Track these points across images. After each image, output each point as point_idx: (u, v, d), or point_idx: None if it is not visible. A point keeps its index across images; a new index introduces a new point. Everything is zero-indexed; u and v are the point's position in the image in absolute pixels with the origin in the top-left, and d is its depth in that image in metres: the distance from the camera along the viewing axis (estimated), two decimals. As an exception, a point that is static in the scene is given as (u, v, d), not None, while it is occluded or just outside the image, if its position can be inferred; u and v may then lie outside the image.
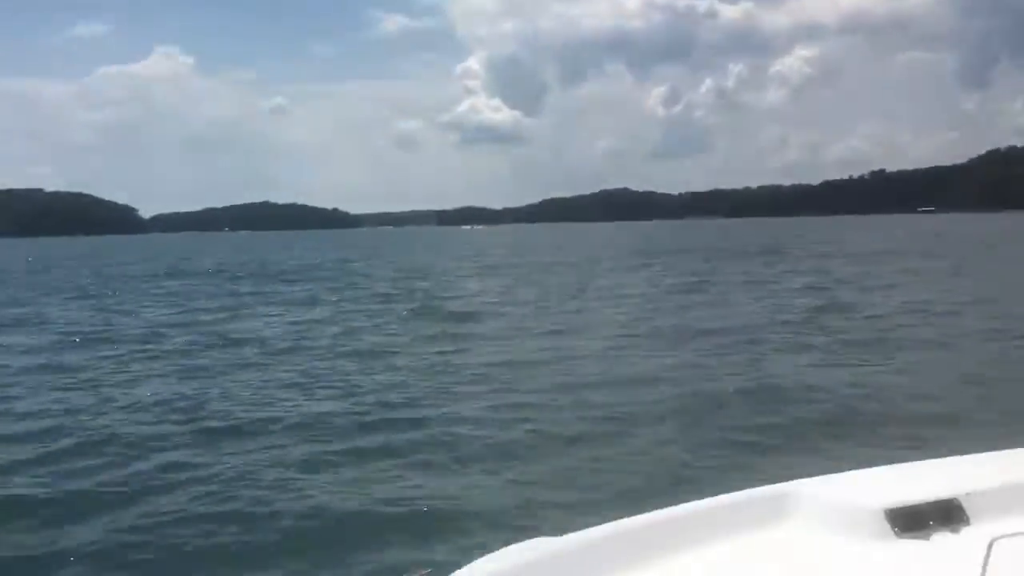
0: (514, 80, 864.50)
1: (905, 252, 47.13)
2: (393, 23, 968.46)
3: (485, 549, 1.99)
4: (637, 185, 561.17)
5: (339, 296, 30.50)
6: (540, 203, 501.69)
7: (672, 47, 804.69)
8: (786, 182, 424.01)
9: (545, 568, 1.84)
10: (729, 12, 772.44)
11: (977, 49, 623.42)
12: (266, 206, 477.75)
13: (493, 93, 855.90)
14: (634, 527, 2.04)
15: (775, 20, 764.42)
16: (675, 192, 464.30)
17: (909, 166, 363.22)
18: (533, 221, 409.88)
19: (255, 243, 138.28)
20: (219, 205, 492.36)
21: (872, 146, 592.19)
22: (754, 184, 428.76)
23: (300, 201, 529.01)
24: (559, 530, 2.06)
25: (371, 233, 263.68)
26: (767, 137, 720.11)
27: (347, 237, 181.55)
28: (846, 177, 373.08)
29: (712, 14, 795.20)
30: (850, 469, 2.44)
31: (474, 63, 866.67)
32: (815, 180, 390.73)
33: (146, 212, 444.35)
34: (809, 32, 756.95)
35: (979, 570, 1.79)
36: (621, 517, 2.10)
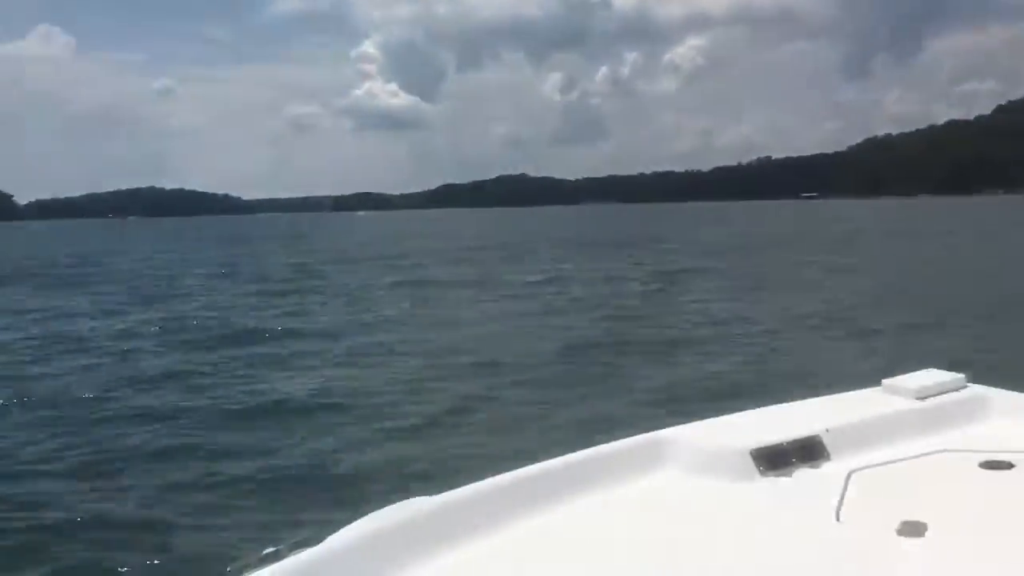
0: (411, 65, 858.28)
1: (744, 247, 45.86)
2: (286, 5, 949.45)
3: (358, 513, 1.89)
4: (535, 171, 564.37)
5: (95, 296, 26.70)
6: (437, 189, 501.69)
7: (568, 35, 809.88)
8: (679, 168, 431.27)
9: (420, 528, 1.83)
10: (622, 2, 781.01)
11: (857, 41, 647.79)
12: (153, 192, 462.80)
13: (390, 78, 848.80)
14: (509, 482, 2.03)
15: (667, 10, 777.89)
16: (572, 178, 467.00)
17: (794, 153, 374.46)
18: (430, 207, 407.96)
19: (110, 233, 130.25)
20: (103, 191, 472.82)
21: (760, 134, 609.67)
22: (648, 170, 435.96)
23: (189, 187, 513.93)
24: (433, 490, 2.01)
25: (252, 220, 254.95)
26: (661, 124, 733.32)
27: (227, 224, 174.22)
28: (735, 164, 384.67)
29: (606, 3, 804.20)
30: (719, 415, 2.48)
31: (370, 47, 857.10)
32: (706, 167, 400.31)
33: (22, 198, 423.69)
34: (700, 22, 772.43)
35: (837, 500, 1.92)
36: (496, 474, 2.06)
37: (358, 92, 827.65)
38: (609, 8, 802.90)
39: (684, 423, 2.40)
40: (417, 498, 1.98)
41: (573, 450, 2.21)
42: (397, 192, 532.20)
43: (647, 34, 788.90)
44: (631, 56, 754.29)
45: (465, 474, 2.15)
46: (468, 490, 1.99)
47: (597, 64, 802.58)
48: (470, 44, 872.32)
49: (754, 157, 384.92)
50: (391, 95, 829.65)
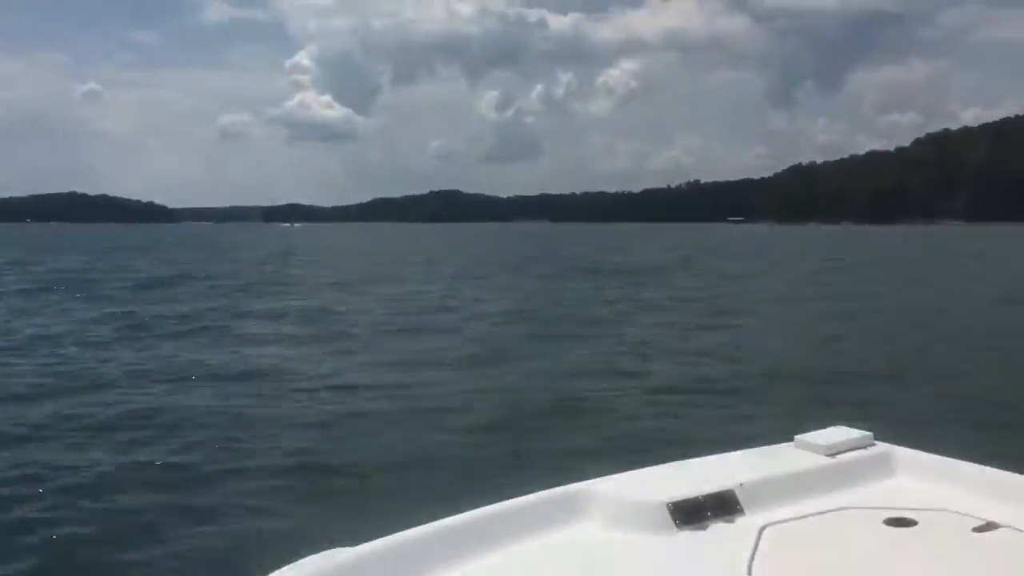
0: (346, 77, 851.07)
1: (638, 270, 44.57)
2: (218, 12, 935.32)
3: (278, 563, 1.88)
4: (468, 187, 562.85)
5: None
6: (370, 202, 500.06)
7: (505, 53, 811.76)
8: (610, 189, 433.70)
9: None
10: (558, 23, 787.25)
11: (785, 71, 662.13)
12: (74, 197, 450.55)
13: (324, 89, 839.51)
14: (427, 534, 2.05)
15: (602, 33, 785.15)
16: (505, 195, 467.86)
17: (723, 178, 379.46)
18: (362, 220, 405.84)
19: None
20: (21, 195, 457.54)
21: (690, 158, 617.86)
22: (580, 190, 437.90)
23: (114, 193, 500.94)
24: (353, 540, 2.00)
25: (172, 229, 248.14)
26: (594, 145, 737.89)
27: (137, 233, 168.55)
28: (665, 186, 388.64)
29: (543, 23, 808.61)
30: (635, 468, 2.52)
31: (304, 58, 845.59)
32: (637, 188, 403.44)
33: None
34: (634, 47, 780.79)
35: (750, 554, 1.96)
36: (415, 525, 2.08)
37: (291, 103, 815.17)
38: (546, 28, 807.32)
39: (601, 476, 2.41)
40: (337, 549, 1.95)
41: (491, 502, 2.21)
42: (329, 204, 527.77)
43: (582, 56, 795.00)
44: (566, 77, 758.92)
45: (384, 526, 2.13)
46: (388, 541, 1.99)
47: (533, 83, 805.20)
48: (406, 58, 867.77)
49: (684, 180, 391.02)
50: (325, 107, 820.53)
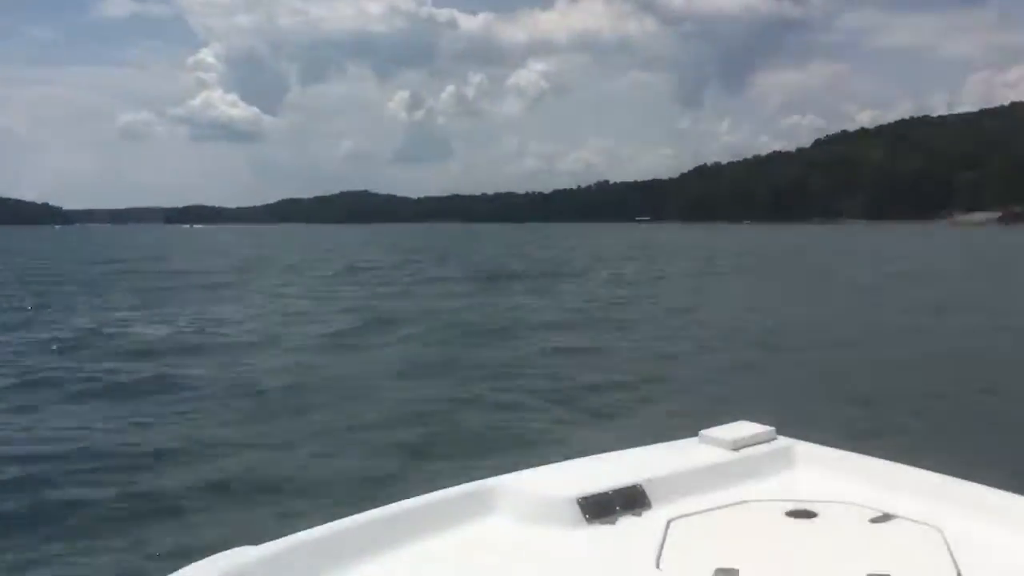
0: (252, 76, 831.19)
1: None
2: (118, 6, 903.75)
3: (181, 563, 1.83)
4: (378, 188, 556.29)
5: None
6: (278, 203, 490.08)
7: (415, 53, 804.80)
8: (521, 190, 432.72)
9: None
10: (469, 23, 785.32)
11: (691, 74, 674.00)
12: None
13: (230, 88, 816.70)
14: (335, 531, 2.01)
15: (512, 33, 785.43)
16: (415, 196, 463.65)
17: (631, 178, 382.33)
18: (270, 222, 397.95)
19: None
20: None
21: (600, 158, 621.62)
22: (491, 191, 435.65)
23: (6, 194, 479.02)
24: (258, 539, 1.95)
25: (63, 232, 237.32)
26: (505, 146, 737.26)
27: (24, 236, 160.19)
28: (575, 187, 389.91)
29: (453, 24, 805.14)
30: (548, 462, 2.53)
31: (208, 55, 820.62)
32: (547, 189, 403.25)
33: None
34: (544, 48, 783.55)
35: (658, 547, 2.00)
36: (323, 523, 2.05)
37: (195, 101, 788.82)
38: (456, 28, 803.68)
39: (511, 472, 2.41)
40: (242, 547, 1.90)
41: (399, 499, 2.20)
42: (234, 205, 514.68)
43: (493, 57, 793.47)
44: (477, 78, 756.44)
45: (288, 523, 2.09)
46: (294, 539, 1.95)
47: (444, 83, 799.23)
48: (314, 57, 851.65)
49: (594, 181, 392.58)
50: (230, 105, 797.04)
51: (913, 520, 2.14)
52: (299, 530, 1.99)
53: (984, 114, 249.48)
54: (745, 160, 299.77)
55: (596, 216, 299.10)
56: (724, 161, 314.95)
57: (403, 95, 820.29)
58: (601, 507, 2.19)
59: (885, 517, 2.16)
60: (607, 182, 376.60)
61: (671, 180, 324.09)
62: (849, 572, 1.87)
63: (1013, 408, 11.78)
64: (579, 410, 11.52)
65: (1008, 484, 2.28)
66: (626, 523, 2.17)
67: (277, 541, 1.92)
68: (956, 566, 1.87)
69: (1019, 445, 9.51)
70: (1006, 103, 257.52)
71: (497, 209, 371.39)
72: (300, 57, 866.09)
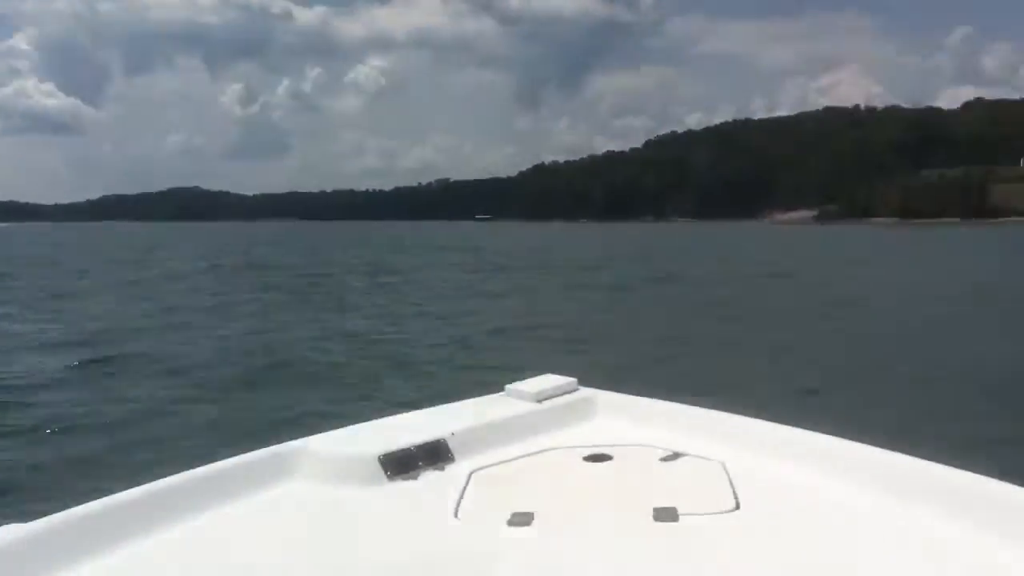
0: (71, 64, 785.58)
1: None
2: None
3: None
4: (211, 185, 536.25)
5: None
6: (100, 200, 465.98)
7: (249, 45, 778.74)
8: (360, 187, 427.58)
9: (12, 557, 1.71)
10: (305, 16, 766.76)
11: (530, 73, 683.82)
12: None
13: (45, 77, 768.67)
14: (120, 503, 1.92)
15: (350, 28, 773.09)
16: (251, 193, 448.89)
17: (472, 176, 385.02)
18: (92, 219, 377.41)
19: None
20: None
21: (441, 156, 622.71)
22: (330, 188, 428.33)
23: None
24: (30, 515, 1.81)
25: None
26: (344, 142, 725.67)
27: None
28: (416, 184, 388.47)
29: (288, 15, 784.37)
30: (350, 423, 2.53)
31: (22, 42, 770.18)
32: (388, 186, 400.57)
33: None
34: (382, 43, 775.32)
35: (457, 497, 2.02)
36: (107, 494, 1.92)
37: (7, 90, 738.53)
38: (291, 20, 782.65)
39: (312, 434, 2.39)
40: (10, 525, 1.80)
41: (195, 466, 2.14)
42: (51, 202, 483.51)
43: (330, 51, 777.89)
44: (314, 72, 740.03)
45: (67, 498, 1.98)
46: (72, 513, 1.85)
47: (279, 77, 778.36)
48: (140, 46, 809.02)
49: (434, 179, 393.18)
50: (46, 95, 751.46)
51: (700, 457, 2.25)
52: (77, 504, 1.84)
53: (800, 117, 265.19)
54: (581, 160, 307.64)
55: (438, 214, 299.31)
56: (562, 160, 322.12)
57: (236, 88, 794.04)
58: (403, 463, 2.20)
59: (675, 456, 2.27)
60: (448, 180, 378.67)
61: (511, 179, 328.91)
62: (638, 507, 1.95)
63: (784, 349, 14.03)
64: (387, 373, 11.64)
65: (783, 418, 2.41)
66: (428, 477, 2.18)
67: (50, 517, 1.79)
68: (735, 496, 1.99)
69: (790, 378, 11.13)
70: (819, 107, 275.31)
71: (336, 206, 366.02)
72: (124, 46, 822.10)
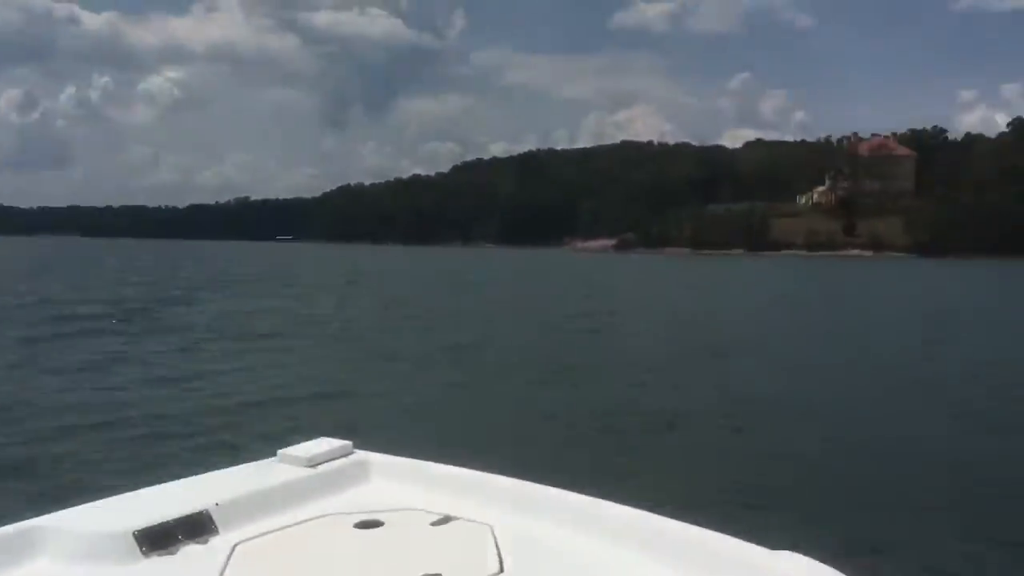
0: None
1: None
2: None
3: None
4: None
5: None
6: None
7: (28, 49, 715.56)
8: (152, 203, 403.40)
9: None
10: (92, 21, 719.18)
11: (336, 93, 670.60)
12: None
13: None
14: None
15: (142, 37, 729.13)
16: (27, 206, 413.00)
17: (274, 196, 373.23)
18: None
19: None
20: None
21: (240, 174, 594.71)
22: (117, 203, 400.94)
23: None
24: None
25: None
26: (134, 155, 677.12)
27: None
28: (213, 203, 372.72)
29: (74, 19, 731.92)
30: (103, 496, 2.38)
31: None
32: (182, 204, 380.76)
33: None
34: (178, 55, 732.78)
35: (219, 573, 1.93)
36: None
37: None
38: (77, 24, 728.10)
39: (60, 509, 2.27)
40: None
41: None
42: None
43: (120, 59, 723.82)
44: (102, 80, 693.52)
45: None
46: None
47: (63, 84, 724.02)
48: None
49: (233, 197, 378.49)
50: None
51: (468, 520, 2.25)
52: None
53: (600, 150, 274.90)
54: (388, 182, 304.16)
55: (237, 233, 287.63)
56: (368, 183, 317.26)
57: (14, 93, 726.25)
58: (160, 538, 2.08)
59: (445, 519, 2.26)
60: (248, 198, 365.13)
61: (315, 199, 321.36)
62: (406, 574, 1.93)
63: (562, 406, 13.99)
64: (144, 438, 10.74)
65: (551, 479, 2.44)
66: (188, 552, 2.07)
67: None
68: (500, 559, 1.99)
69: (564, 440, 11.20)
70: (617, 141, 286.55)
71: (124, 223, 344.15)
72: None
